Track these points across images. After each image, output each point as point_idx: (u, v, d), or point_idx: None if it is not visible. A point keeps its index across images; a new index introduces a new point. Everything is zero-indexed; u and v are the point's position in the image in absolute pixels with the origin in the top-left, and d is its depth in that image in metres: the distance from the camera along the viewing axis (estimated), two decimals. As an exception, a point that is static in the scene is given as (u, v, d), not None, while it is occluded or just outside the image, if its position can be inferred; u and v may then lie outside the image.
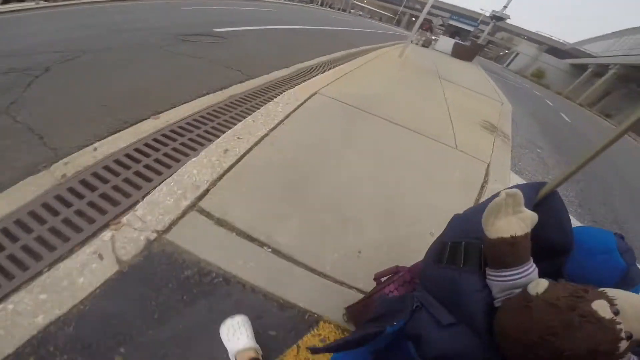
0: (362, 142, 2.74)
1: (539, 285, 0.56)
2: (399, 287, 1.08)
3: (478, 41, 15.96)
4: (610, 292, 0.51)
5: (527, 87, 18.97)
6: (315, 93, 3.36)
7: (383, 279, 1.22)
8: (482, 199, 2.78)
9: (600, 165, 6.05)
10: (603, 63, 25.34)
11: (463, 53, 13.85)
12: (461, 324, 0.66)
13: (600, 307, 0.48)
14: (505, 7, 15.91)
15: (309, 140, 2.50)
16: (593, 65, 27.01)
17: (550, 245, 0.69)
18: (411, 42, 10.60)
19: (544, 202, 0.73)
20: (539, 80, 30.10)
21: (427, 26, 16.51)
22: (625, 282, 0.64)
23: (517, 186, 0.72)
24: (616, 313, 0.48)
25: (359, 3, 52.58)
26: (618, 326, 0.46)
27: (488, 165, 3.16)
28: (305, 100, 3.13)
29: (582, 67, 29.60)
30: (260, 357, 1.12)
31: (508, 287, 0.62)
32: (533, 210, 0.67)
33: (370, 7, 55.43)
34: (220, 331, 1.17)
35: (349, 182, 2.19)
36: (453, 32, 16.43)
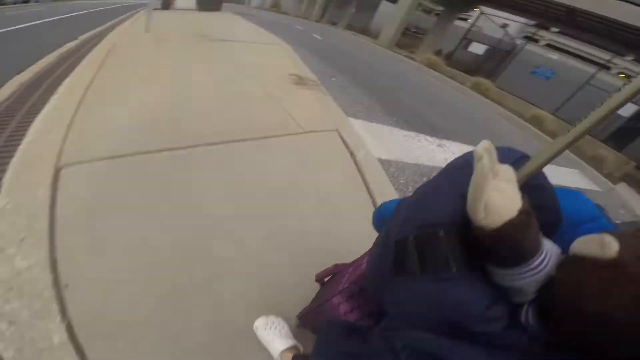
0: (212, 217, 1.61)
1: (605, 243, 0.33)
2: (348, 300, 0.84)
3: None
4: None
5: (276, 19, 19.95)
6: (58, 173, 1.68)
7: (326, 279, 1.10)
8: (366, 174, 2.37)
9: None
10: (315, -17, 29.66)
11: (209, 4, 12.43)
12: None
13: None
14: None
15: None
16: (311, -13, 31.26)
17: (545, 227, 0.44)
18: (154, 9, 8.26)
19: (533, 182, 0.46)
20: (278, 10, 32.49)
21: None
22: None
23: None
24: None
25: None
26: None
27: (338, 132, 2.72)
28: (53, 206, 1.48)
29: None
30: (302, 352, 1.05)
31: (545, 276, 0.39)
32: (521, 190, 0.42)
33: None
34: (256, 330, 1.11)
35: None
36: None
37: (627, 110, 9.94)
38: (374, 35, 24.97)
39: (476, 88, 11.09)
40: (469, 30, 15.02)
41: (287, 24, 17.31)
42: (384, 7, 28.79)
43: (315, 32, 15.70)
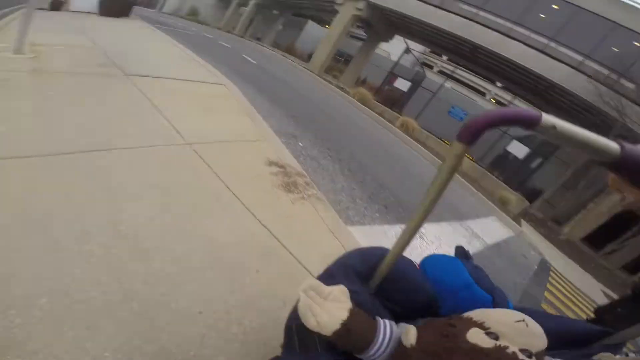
0: None
1: (409, 335, 0.53)
2: None
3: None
4: (475, 315, 0.49)
5: (196, 31, 17.62)
6: None
7: None
8: None
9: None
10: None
11: (116, 8, 9.80)
12: None
13: (477, 337, 0.44)
14: None
15: None
16: (236, -3, 28.67)
17: (413, 304, 0.66)
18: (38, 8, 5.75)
19: (396, 274, 0.66)
20: (196, 18, 29.18)
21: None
22: (496, 307, 0.65)
23: (355, 252, 0.75)
24: (496, 338, 0.44)
25: None
26: (507, 350, 0.42)
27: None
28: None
29: (228, 0, 31.05)
30: None
31: (387, 357, 0.56)
32: (385, 280, 0.65)
33: None
34: None
35: None
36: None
37: (521, 152, 11.79)
38: (300, 55, 24.84)
39: (404, 128, 11.73)
40: (394, 66, 16.05)
41: (211, 39, 15.37)
42: (311, 27, 28.99)
43: (244, 51, 14.35)
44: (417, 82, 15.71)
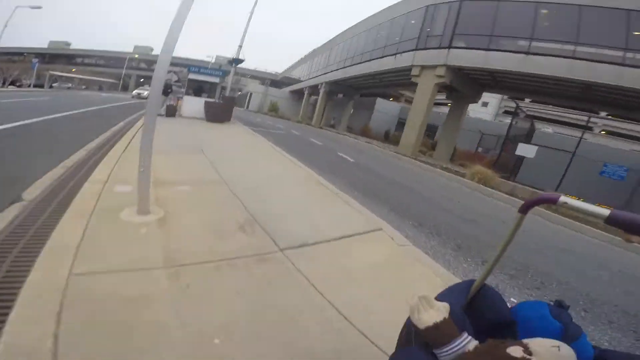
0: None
1: (469, 345, 0.72)
2: None
3: (226, 92, 13.15)
4: (527, 340, 0.63)
5: (283, 128, 18.26)
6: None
7: None
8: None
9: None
10: (313, 85, 28.57)
11: (219, 113, 10.30)
12: None
13: (513, 351, 0.60)
14: (240, 47, 13.57)
15: None
16: (307, 88, 30.34)
17: (493, 323, 0.85)
18: (159, 114, 5.42)
19: (478, 294, 0.93)
20: (277, 113, 31.87)
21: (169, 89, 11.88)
22: (567, 338, 0.73)
23: (451, 287, 0.99)
24: (530, 354, 0.58)
25: (62, 74, 35.65)
26: None
27: None
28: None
29: (300, 92, 33.47)
30: None
31: (454, 358, 0.74)
32: (471, 301, 0.92)
33: (82, 77, 39.41)
34: None
35: None
36: (196, 88, 12.66)
37: None
38: (375, 136, 23.98)
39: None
40: (509, 129, 13.77)
41: (300, 137, 15.12)
42: (380, 104, 27.95)
43: (333, 146, 13.50)
44: (528, 137, 13.21)
